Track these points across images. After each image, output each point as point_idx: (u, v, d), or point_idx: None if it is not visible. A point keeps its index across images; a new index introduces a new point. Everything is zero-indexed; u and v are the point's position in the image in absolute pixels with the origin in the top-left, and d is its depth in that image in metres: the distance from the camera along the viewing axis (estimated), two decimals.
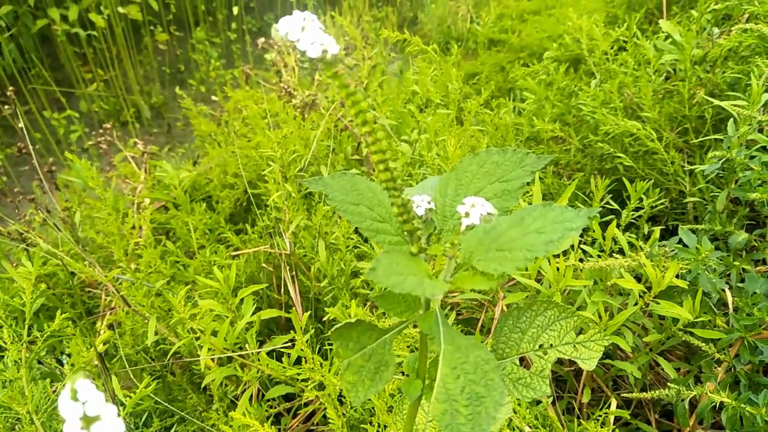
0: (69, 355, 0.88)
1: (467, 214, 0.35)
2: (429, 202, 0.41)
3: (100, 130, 2.39)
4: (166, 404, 1.22)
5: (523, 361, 0.48)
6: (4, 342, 0.85)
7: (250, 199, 2.13)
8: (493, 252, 0.37)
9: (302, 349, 0.96)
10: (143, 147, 2.26)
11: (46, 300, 1.23)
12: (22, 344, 0.86)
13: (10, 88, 2.02)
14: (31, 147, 1.76)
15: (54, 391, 0.88)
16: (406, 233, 0.38)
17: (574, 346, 0.49)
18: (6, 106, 3.83)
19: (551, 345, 0.48)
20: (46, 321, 0.95)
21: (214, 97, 2.93)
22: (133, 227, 1.62)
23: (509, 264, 0.36)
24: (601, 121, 1.49)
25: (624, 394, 0.93)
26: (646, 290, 0.90)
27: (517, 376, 0.46)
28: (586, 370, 1.00)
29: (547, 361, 0.48)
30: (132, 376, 1.33)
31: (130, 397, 0.89)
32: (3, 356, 0.85)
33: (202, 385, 1.21)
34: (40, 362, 1.06)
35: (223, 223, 1.79)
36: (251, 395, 1.18)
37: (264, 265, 1.57)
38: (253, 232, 1.66)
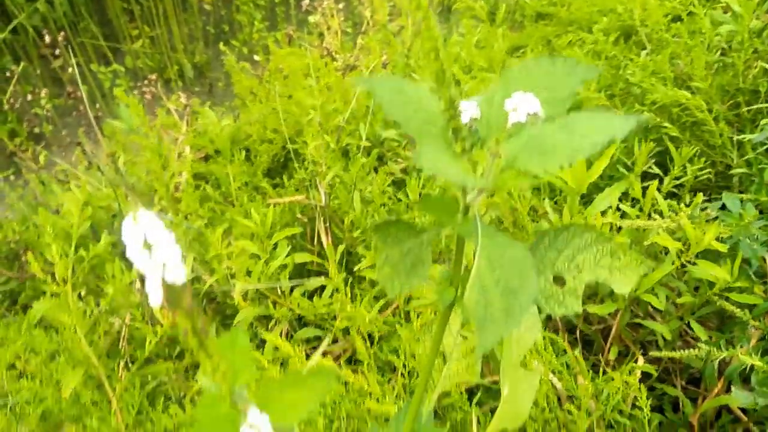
0: (113, 276, 0.93)
1: (515, 109, 0.35)
2: (475, 111, 0.42)
3: (145, 81, 2.44)
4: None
5: (557, 281, 0.48)
6: (51, 257, 0.89)
7: (288, 155, 2.15)
8: (536, 155, 0.38)
9: (336, 290, 0.98)
10: (186, 100, 2.30)
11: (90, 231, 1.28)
12: (69, 261, 0.90)
13: (61, 33, 2.08)
14: (82, 91, 1.81)
15: (98, 305, 0.92)
16: (451, 132, 0.38)
17: (609, 270, 0.49)
18: (55, 58, 3.93)
19: (586, 267, 0.49)
20: (93, 244, 1.00)
21: (256, 57, 2.95)
22: (172, 175, 1.66)
23: (553, 162, 0.36)
24: (649, 90, 1.45)
25: (652, 353, 0.92)
26: (684, 250, 0.89)
27: (550, 293, 0.47)
28: (614, 329, 1.00)
29: (581, 281, 0.48)
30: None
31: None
32: (52, 272, 0.89)
33: (234, 324, 1.25)
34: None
35: (260, 176, 1.82)
36: (281, 333, 1.22)
37: (299, 216, 1.60)
38: (289, 185, 1.68)
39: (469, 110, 0.41)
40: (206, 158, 2.02)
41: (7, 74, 3.24)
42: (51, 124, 3.54)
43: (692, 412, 1.02)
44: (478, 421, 0.75)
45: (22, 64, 3.39)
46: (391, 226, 0.42)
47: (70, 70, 3.63)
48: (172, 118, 2.20)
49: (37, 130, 3.44)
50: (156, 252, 0.25)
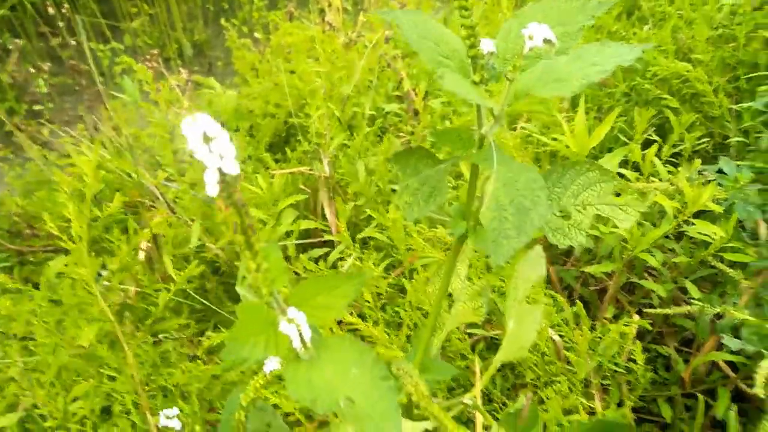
0: (135, 231, 0.95)
1: (531, 37, 0.38)
2: (491, 47, 0.44)
3: (147, 56, 2.44)
4: (205, 302, 1.29)
5: (563, 215, 0.51)
6: (68, 215, 0.91)
7: (290, 129, 2.17)
8: (551, 83, 0.40)
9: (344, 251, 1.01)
10: (187, 75, 2.31)
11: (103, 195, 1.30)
12: (83, 220, 0.93)
13: (65, 6, 2.07)
14: (91, 65, 1.82)
15: (104, 267, 0.95)
16: (469, 60, 0.41)
17: (612, 207, 0.52)
18: (54, 36, 3.91)
19: (590, 203, 0.52)
20: (106, 203, 1.02)
21: (257, 35, 2.95)
22: (177, 148, 1.68)
23: (566, 89, 0.39)
24: (650, 63, 1.48)
25: (646, 310, 0.96)
26: (681, 209, 0.92)
27: (557, 226, 0.50)
28: (611, 288, 1.03)
29: (586, 216, 0.51)
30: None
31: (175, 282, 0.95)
32: (69, 228, 0.92)
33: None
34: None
35: (263, 150, 1.84)
36: None
37: (302, 187, 1.62)
38: (292, 157, 1.71)
39: (486, 46, 0.44)
40: None
41: (7, 52, 3.23)
42: (50, 102, 3.54)
43: (684, 369, 1.05)
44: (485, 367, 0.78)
45: (21, 41, 3.38)
46: (410, 156, 0.44)
47: (71, 46, 3.61)
48: (175, 93, 2.21)
49: (36, 107, 3.43)
50: (215, 144, 0.28)
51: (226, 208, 0.30)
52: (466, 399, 0.55)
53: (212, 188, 0.29)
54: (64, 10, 1.99)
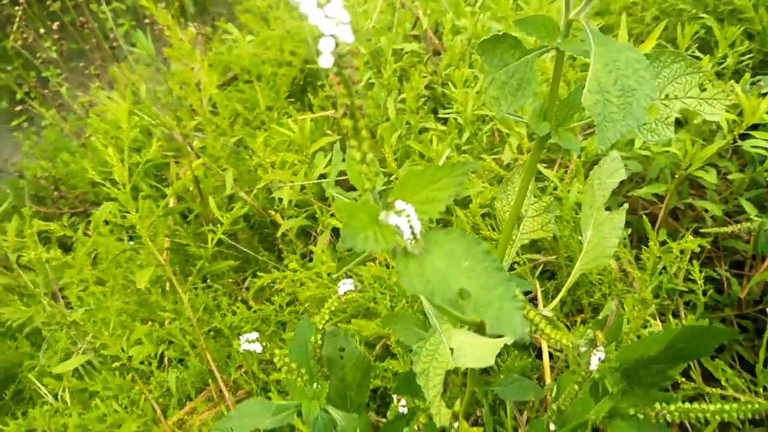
0: (177, 177, 0.93)
1: None
2: None
3: (158, 6, 2.38)
4: (245, 249, 1.29)
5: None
6: (109, 160, 0.89)
7: (307, 78, 2.12)
8: None
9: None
10: (197, 29, 2.26)
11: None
12: (125, 166, 0.91)
13: None
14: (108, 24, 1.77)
15: (161, 206, 0.94)
16: None
17: (698, 99, 0.49)
18: (53, 1, 3.82)
19: (676, 96, 0.49)
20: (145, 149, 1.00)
21: None
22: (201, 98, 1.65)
23: None
24: None
25: (702, 229, 0.94)
26: (737, 122, 0.89)
27: (645, 115, 0.47)
28: (663, 210, 1.01)
29: (672, 110, 0.48)
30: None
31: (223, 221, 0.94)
32: (112, 175, 0.90)
33: (278, 233, 1.27)
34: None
35: (283, 99, 1.80)
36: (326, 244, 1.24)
37: (328, 132, 1.59)
38: (314, 103, 1.67)
39: None
40: (225, 85, 2.00)
41: (8, 18, 3.17)
42: (57, 67, 3.49)
43: (739, 290, 1.04)
44: (544, 293, 0.77)
45: (21, 5, 3.32)
46: (496, 46, 0.42)
47: (71, 10, 3.54)
48: (186, 46, 2.16)
49: (45, 74, 3.39)
50: (329, 9, 0.26)
51: (338, 84, 0.28)
52: (546, 311, 0.54)
53: (326, 59, 0.26)
54: None
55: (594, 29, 0.39)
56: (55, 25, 2.29)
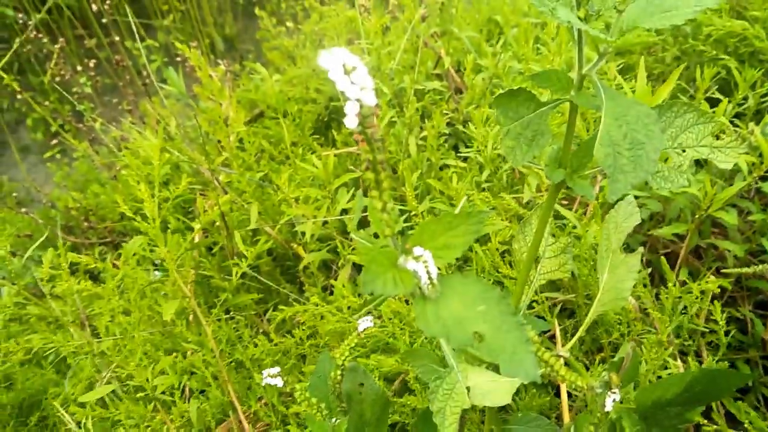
0: (204, 211, 0.97)
1: None
2: None
3: (189, 48, 2.48)
4: (267, 281, 1.31)
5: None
6: (140, 195, 0.93)
7: (332, 114, 2.17)
8: (658, 15, 0.39)
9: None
10: (226, 66, 2.34)
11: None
12: (155, 201, 0.95)
13: (108, 3, 2.12)
14: (142, 57, 1.85)
15: (188, 240, 0.97)
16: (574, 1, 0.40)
17: (711, 149, 0.51)
18: (90, 38, 3.99)
19: (689, 145, 0.50)
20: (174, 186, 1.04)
21: (288, 24, 2.97)
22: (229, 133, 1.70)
23: (678, 18, 0.38)
24: (704, 23, 1.43)
25: (724, 270, 0.93)
26: (757, 163, 0.89)
27: (656, 169, 0.49)
28: (684, 249, 1.01)
29: (685, 158, 0.50)
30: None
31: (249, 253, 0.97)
32: (142, 209, 0.94)
33: (300, 266, 1.30)
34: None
35: (307, 135, 1.85)
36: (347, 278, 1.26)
37: (350, 167, 1.63)
38: (338, 139, 1.71)
39: None
40: (252, 122, 2.06)
41: (47, 55, 3.32)
42: (91, 102, 3.63)
43: (764, 330, 1.03)
44: (563, 331, 0.77)
45: (60, 42, 3.48)
46: (512, 99, 0.44)
47: (107, 46, 3.69)
48: (215, 83, 2.24)
49: (79, 108, 3.53)
50: (355, 76, 0.28)
51: (362, 142, 0.30)
52: (562, 352, 0.55)
53: (352, 120, 0.29)
54: (106, 6, 2.03)
55: (605, 84, 0.41)
56: (91, 63, 2.39)
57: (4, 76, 3.12)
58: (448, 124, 1.66)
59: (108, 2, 2.09)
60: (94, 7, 2.04)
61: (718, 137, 0.52)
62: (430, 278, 0.35)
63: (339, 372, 0.58)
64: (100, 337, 0.95)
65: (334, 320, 1.01)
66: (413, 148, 1.36)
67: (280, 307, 1.06)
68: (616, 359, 0.51)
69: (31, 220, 1.90)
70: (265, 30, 2.57)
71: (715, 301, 0.90)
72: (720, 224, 1.13)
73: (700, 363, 0.90)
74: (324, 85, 2.18)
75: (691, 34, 1.57)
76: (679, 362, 0.84)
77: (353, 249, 1.22)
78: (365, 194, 1.00)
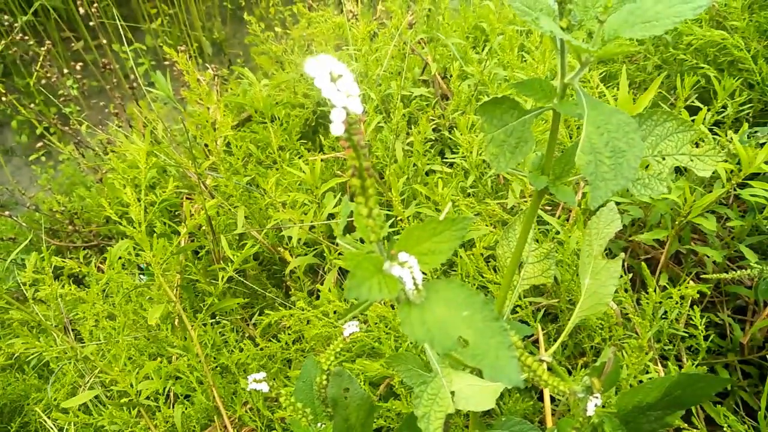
0: (191, 215, 0.97)
1: None
2: None
3: (177, 51, 2.47)
4: (253, 285, 1.31)
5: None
6: (127, 200, 0.93)
7: (319, 119, 2.18)
8: (639, 25, 0.40)
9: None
10: (214, 71, 2.33)
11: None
12: (141, 205, 0.94)
13: (95, 6, 2.10)
14: (114, 63, 1.84)
15: (174, 244, 0.97)
16: (556, 7, 0.41)
17: (690, 157, 0.52)
18: (77, 40, 3.96)
19: (669, 153, 0.52)
20: (160, 190, 1.04)
21: (277, 29, 2.97)
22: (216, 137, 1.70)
23: (659, 28, 0.39)
24: (684, 32, 1.46)
25: (703, 275, 0.95)
26: (735, 171, 0.91)
27: (636, 177, 0.50)
28: (664, 255, 1.03)
29: (665, 166, 0.51)
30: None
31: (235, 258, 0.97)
32: (128, 213, 0.94)
33: (287, 270, 1.30)
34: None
35: (295, 140, 1.85)
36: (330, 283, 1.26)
37: (338, 172, 1.63)
38: (325, 144, 1.72)
39: None
40: (239, 126, 2.06)
41: (32, 57, 3.29)
42: (77, 105, 3.60)
43: (742, 335, 1.04)
44: (546, 336, 0.78)
45: (46, 45, 3.45)
46: (496, 107, 0.45)
47: (93, 49, 3.67)
48: (203, 87, 2.23)
49: (65, 110, 3.50)
50: (341, 83, 0.29)
51: (347, 149, 0.31)
52: (545, 356, 0.56)
53: (338, 127, 0.29)
54: (93, 9, 2.02)
55: (587, 93, 0.42)
56: (78, 66, 2.37)
57: None
58: (434, 129, 1.67)
59: (95, 5, 2.07)
60: (82, 10, 2.03)
61: (697, 145, 0.53)
62: (415, 283, 0.35)
63: (324, 377, 0.58)
64: (84, 342, 0.94)
65: (320, 325, 1.01)
66: (400, 153, 1.37)
67: (266, 311, 1.06)
68: (597, 364, 0.52)
69: (15, 223, 1.88)
70: (254, 35, 2.57)
71: (695, 306, 0.91)
72: (699, 230, 1.15)
73: (680, 367, 0.91)
74: (312, 90, 2.19)
75: (671, 43, 1.59)
76: (659, 367, 0.85)
77: (339, 254, 1.22)
78: (352, 199, 1.01)
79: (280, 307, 1.31)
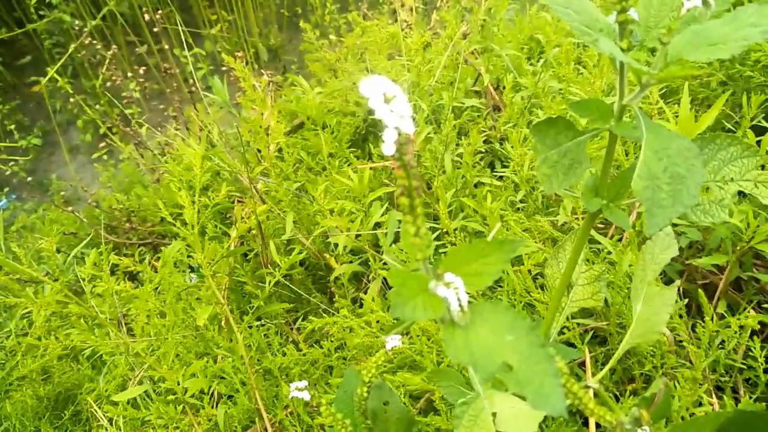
0: (242, 219, 0.99)
1: None
2: (634, 14, 0.43)
3: (234, 57, 2.54)
4: (299, 290, 1.33)
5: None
6: (181, 202, 0.96)
7: (369, 127, 2.19)
8: (704, 47, 0.39)
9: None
10: (269, 77, 2.39)
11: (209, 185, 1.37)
12: (194, 208, 0.97)
13: (160, 12, 2.19)
14: (187, 67, 1.91)
15: (224, 247, 0.99)
16: (616, 27, 0.40)
17: (755, 183, 0.50)
18: (141, 45, 4.13)
19: (732, 179, 0.49)
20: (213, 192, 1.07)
21: (331, 36, 3.02)
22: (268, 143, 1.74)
23: (725, 51, 0.37)
24: (752, 48, 1.40)
25: (765, 304, 0.90)
26: None
27: (695, 202, 0.48)
28: (723, 281, 0.98)
29: (727, 192, 0.49)
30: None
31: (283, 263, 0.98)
32: (182, 215, 0.97)
33: (332, 277, 1.31)
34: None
35: (345, 147, 1.87)
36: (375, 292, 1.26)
37: (386, 181, 1.64)
38: (374, 153, 1.73)
39: (629, 13, 0.43)
40: (291, 132, 2.10)
41: (99, 60, 3.46)
42: (139, 106, 3.76)
43: None
44: (593, 359, 0.76)
45: (112, 48, 3.62)
46: (550, 128, 0.44)
47: (156, 53, 3.83)
48: (258, 93, 2.29)
49: (127, 111, 3.65)
50: (394, 104, 0.29)
51: (398, 168, 0.31)
52: (591, 383, 0.54)
53: (389, 147, 0.29)
54: (158, 15, 2.11)
55: (646, 116, 0.41)
56: (141, 69, 2.47)
57: (59, 79, 3.25)
58: (484, 141, 1.66)
59: (160, 11, 2.16)
60: (147, 16, 2.12)
61: (763, 167, 0.51)
62: (460, 305, 0.35)
63: (365, 389, 0.58)
64: (135, 337, 0.98)
65: (363, 334, 1.02)
66: (449, 164, 1.36)
67: (310, 317, 1.07)
68: (647, 394, 0.50)
69: (76, 219, 1.97)
70: (309, 42, 2.62)
71: (755, 337, 0.87)
72: (762, 257, 1.09)
73: (737, 401, 0.87)
74: (363, 98, 2.21)
75: (738, 60, 1.53)
76: (714, 399, 0.81)
77: (384, 263, 1.23)
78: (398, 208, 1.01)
79: (323, 314, 1.32)
